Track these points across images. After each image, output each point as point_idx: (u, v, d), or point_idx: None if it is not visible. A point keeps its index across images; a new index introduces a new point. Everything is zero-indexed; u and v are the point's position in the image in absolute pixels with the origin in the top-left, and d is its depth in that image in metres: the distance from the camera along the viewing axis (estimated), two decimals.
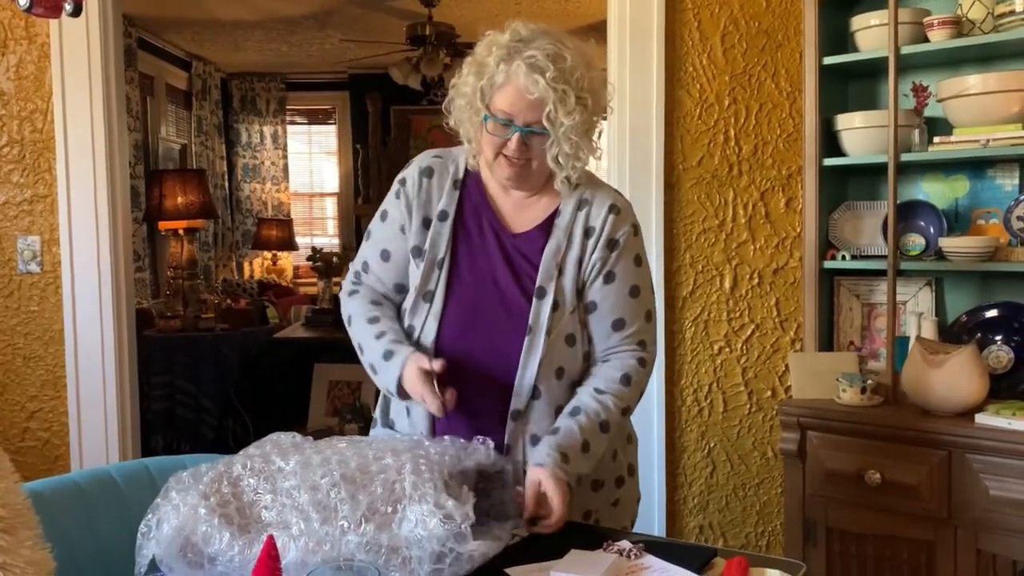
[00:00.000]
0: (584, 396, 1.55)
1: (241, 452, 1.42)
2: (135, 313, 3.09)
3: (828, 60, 2.49)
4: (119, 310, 2.90)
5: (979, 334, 2.39)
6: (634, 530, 1.70)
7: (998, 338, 2.37)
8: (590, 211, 1.59)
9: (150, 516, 1.30)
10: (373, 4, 5.48)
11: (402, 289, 1.67)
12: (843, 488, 2.28)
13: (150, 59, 6.18)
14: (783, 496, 2.54)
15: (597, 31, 6.02)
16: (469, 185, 1.64)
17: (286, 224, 7.73)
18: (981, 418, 2.12)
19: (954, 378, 2.15)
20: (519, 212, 1.62)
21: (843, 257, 2.53)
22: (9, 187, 2.88)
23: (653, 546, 1.37)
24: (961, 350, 2.16)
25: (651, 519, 2.76)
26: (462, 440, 1.43)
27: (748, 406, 2.77)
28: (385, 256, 1.67)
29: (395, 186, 1.67)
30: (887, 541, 2.24)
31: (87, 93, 2.82)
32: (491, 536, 1.31)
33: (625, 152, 2.73)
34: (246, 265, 7.86)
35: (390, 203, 1.67)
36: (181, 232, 5.09)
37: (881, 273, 2.46)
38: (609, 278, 1.58)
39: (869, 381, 2.35)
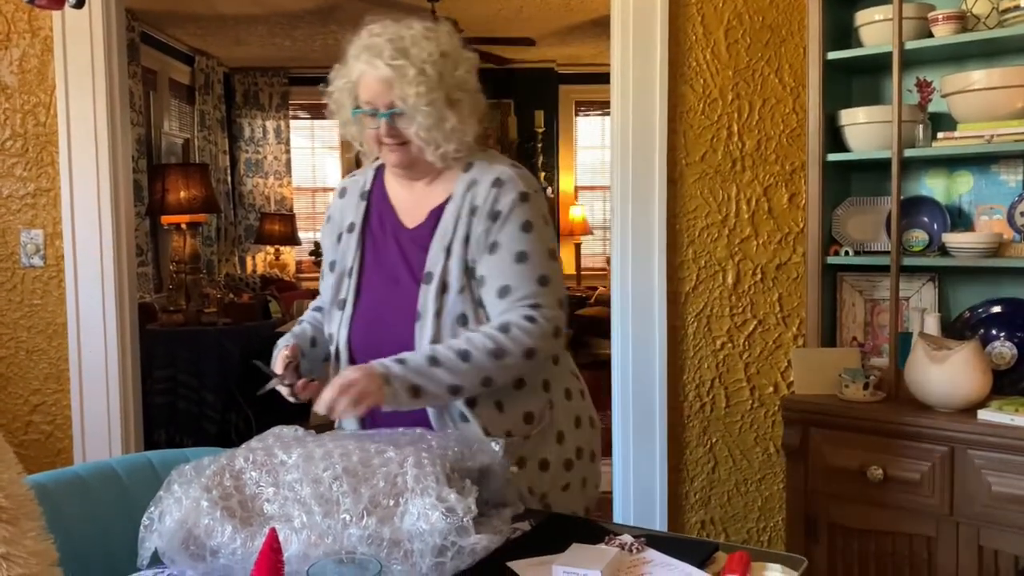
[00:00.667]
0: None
1: (243, 445, 1.42)
2: (138, 307, 3.10)
3: (832, 55, 2.49)
4: (122, 304, 2.90)
5: (982, 330, 2.39)
6: (635, 525, 1.71)
7: (1001, 334, 2.37)
8: (477, 189, 1.62)
9: (152, 509, 1.30)
10: None
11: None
12: (845, 484, 2.28)
13: (153, 53, 6.18)
14: (785, 492, 2.54)
15: (601, 26, 6.00)
16: (375, 192, 1.74)
17: (289, 219, 7.74)
18: (984, 414, 2.12)
19: (957, 374, 2.15)
20: (417, 205, 1.68)
21: (846, 253, 2.53)
22: (12, 181, 2.88)
23: (655, 540, 1.37)
24: (964, 346, 2.16)
25: (653, 514, 2.77)
26: (465, 434, 1.43)
27: (750, 402, 2.77)
28: (323, 276, 1.79)
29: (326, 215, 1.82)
30: (889, 537, 2.24)
31: (90, 87, 2.82)
32: (492, 528, 1.31)
33: (628, 147, 2.73)
34: (249, 260, 7.87)
35: (322, 230, 1.82)
36: (184, 226, 5.09)
37: (884, 269, 2.46)
38: (493, 248, 1.59)
39: (872, 377, 2.35)
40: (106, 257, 2.86)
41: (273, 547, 1.09)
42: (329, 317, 1.72)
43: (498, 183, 1.61)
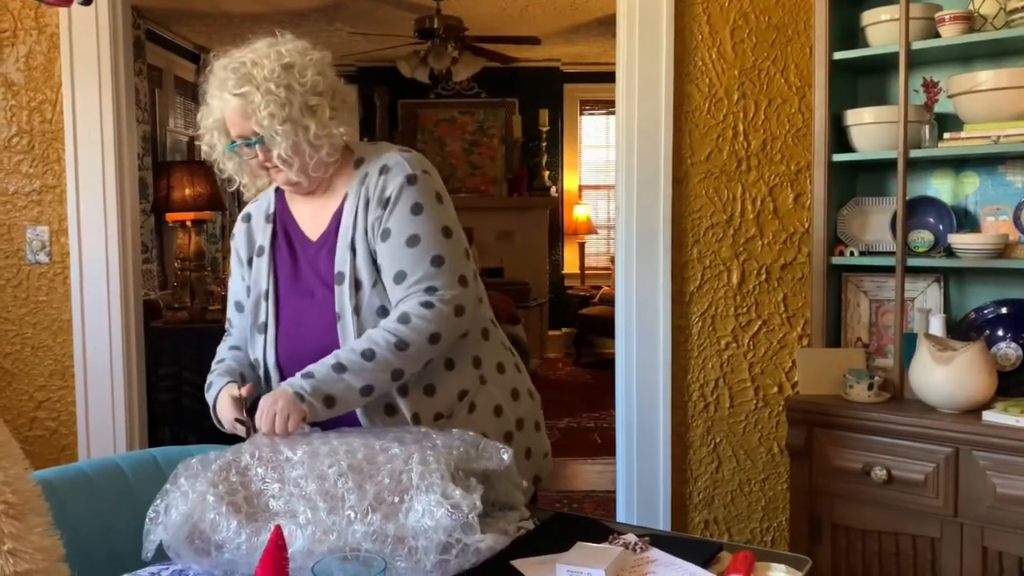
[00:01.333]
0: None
1: (248, 440, 1.42)
2: (143, 304, 3.10)
3: (838, 55, 2.48)
4: (127, 301, 2.91)
5: (987, 331, 2.38)
6: (638, 524, 1.71)
7: (1007, 336, 2.36)
8: (368, 181, 1.62)
9: (158, 501, 1.30)
10: None
11: None
12: (849, 484, 2.28)
13: (159, 51, 6.19)
14: (789, 492, 2.54)
15: (606, 25, 5.99)
16: (279, 212, 1.73)
17: None
18: (989, 415, 2.11)
19: (962, 375, 2.14)
20: (317, 216, 1.67)
21: (851, 253, 2.52)
22: (18, 177, 2.89)
23: (659, 540, 1.38)
24: (969, 347, 2.16)
25: (656, 513, 2.76)
26: (472, 434, 1.42)
27: (755, 402, 2.77)
28: (239, 307, 1.76)
29: (231, 242, 1.80)
30: (893, 538, 2.24)
31: (96, 84, 2.82)
32: (497, 528, 1.31)
33: (633, 146, 2.72)
34: None
35: (231, 258, 1.79)
36: (189, 224, 5.09)
37: (889, 269, 2.46)
38: (385, 235, 1.58)
39: (876, 377, 2.34)
40: (111, 254, 2.87)
41: (278, 544, 1.09)
42: (252, 343, 1.70)
43: (384, 170, 1.61)
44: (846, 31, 2.54)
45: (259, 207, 1.76)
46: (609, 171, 8.04)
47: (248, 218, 1.76)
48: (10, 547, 0.97)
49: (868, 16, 2.47)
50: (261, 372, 1.69)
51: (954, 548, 2.14)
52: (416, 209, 1.58)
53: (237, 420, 1.54)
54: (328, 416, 1.49)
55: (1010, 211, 2.39)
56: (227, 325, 1.80)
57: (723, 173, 2.73)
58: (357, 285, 1.58)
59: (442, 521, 1.20)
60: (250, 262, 1.72)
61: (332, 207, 1.66)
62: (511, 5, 5.57)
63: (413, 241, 1.57)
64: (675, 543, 1.37)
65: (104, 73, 2.82)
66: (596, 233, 8.32)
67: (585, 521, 1.57)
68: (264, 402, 1.45)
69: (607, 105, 7.79)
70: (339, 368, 1.49)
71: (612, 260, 6.76)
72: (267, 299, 1.67)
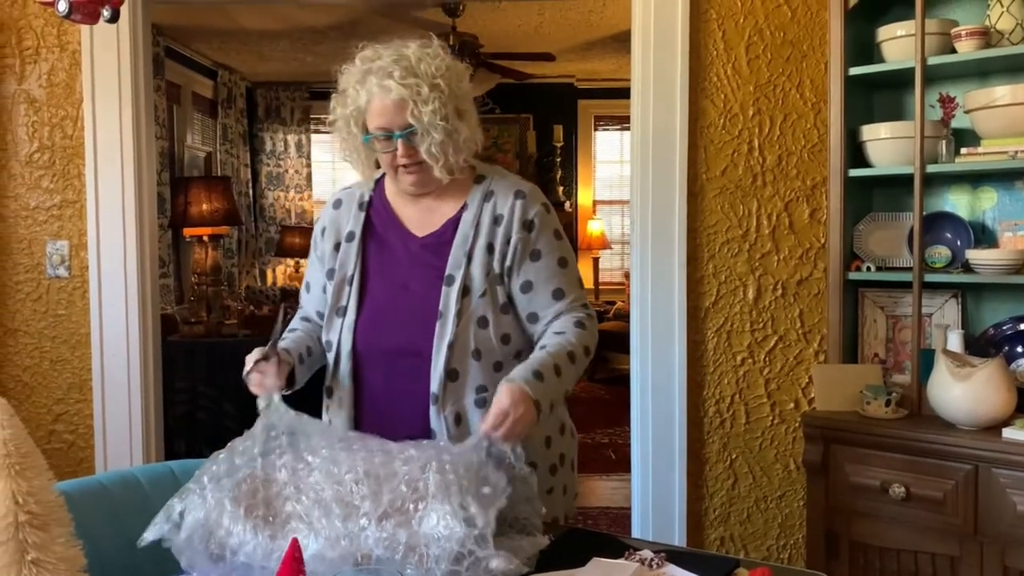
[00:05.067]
0: (547, 337, 1.65)
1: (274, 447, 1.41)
2: (160, 318, 3.13)
3: (854, 71, 2.49)
4: (145, 315, 2.93)
5: (1006, 347, 2.37)
6: (654, 540, 1.70)
7: None
8: (496, 201, 1.67)
9: (176, 500, 1.31)
10: (398, 15, 5.52)
11: (323, 315, 1.77)
12: (867, 501, 2.26)
13: (177, 68, 6.26)
14: (805, 509, 2.52)
15: (620, 41, 6.02)
16: (375, 204, 1.76)
17: (309, 232, 7.75)
18: (1008, 432, 2.09)
19: (980, 392, 2.13)
20: (425, 216, 1.70)
21: (868, 269, 2.51)
22: (39, 192, 2.92)
23: (675, 556, 1.37)
24: (987, 363, 2.14)
25: (672, 530, 2.75)
26: (487, 442, 1.41)
27: (771, 418, 2.75)
28: (307, 288, 1.82)
29: (315, 226, 1.82)
30: (911, 556, 2.21)
31: (116, 100, 2.86)
32: (512, 548, 1.30)
33: (648, 161, 2.73)
34: (269, 272, 7.92)
35: (312, 241, 1.82)
36: (206, 239, 5.14)
37: (906, 285, 2.45)
38: (535, 256, 1.66)
39: (894, 394, 2.33)
40: (130, 268, 2.89)
41: (295, 556, 1.09)
42: (329, 325, 1.71)
43: (521, 195, 1.68)
44: (861, 47, 2.55)
45: (351, 194, 1.79)
46: (623, 186, 8.05)
47: (338, 204, 1.79)
48: (33, 557, 0.98)
49: (884, 32, 2.47)
50: (332, 354, 1.70)
51: (974, 567, 2.12)
52: (558, 235, 1.71)
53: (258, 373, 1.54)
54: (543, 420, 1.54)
55: None
56: (298, 310, 1.86)
57: (738, 188, 2.73)
58: (465, 290, 1.62)
59: (456, 531, 1.20)
60: (336, 247, 1.74)
61: (446, 212, 1.69)
62: (526, 22, 5.61)
63: (563, 263, 1.69)
64: (692, 559, 1.37)
65: (124, 90, 2.86)
66: (610, 248, 8.32)
67: (601, 537, 1.56)
68: (504, 402, 1.43)
69: (621, 121, 7.81)
70: (558, 371, 1.56)
71: (626, 275, 6.76)
72: (351, 284, 1.69)
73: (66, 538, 1.03)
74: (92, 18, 1.60)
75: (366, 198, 1.76)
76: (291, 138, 7.99)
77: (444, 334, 1.60)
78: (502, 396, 1.45)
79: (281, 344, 1.67)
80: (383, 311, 1.67)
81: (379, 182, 1.78)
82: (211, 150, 7.06)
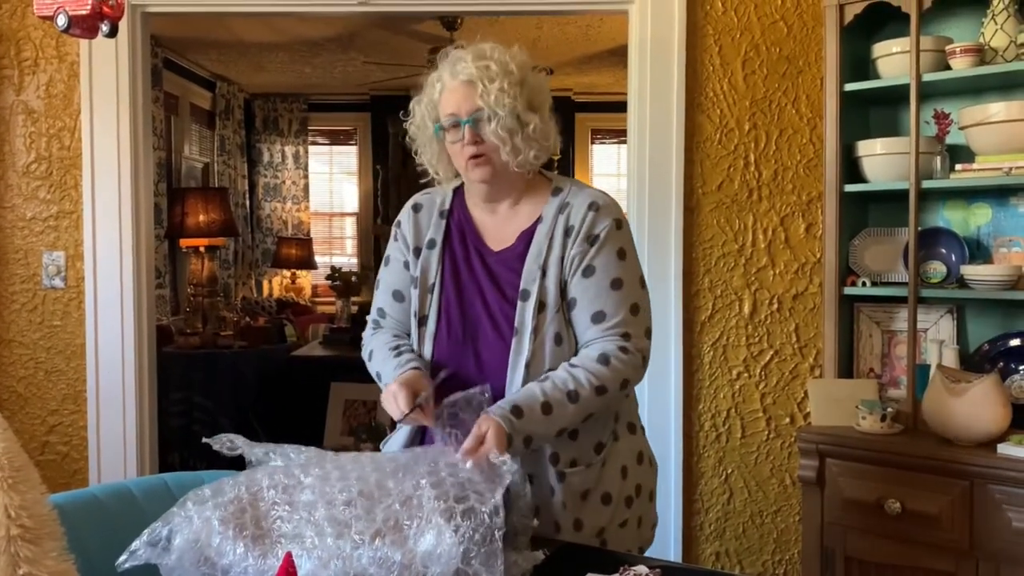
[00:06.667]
0: (557, 369, 1.56)
1: (262, 465, 1.42)
2: (155, 329, 3.12)
3: (849, 87, 2.50)
4: (140, 326, 2.92)
5: (1001, 363, 2.37)
6: (648, 555, 1.69)
7: (1021, 367, 2.35)
8: (571, 212, 1.61)
9: (160, 524, 1.30)
10: (396, 27, 5.54)
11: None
12: (862, 517, 2.26)
13: (175, 79, 6.27)
14: (801, 524, 2.52)
15: (618, 55, 6.03)
16: (455, 213, 1.71)
17: (305, 243, 7.79)
18: (1003, 448, 2.09)
19: (976, 407, 2.13)
20: (502, 228, 1.66)
21: (863, 283, 2.52)
22: (36, 203, 2.92)
23: (670, 571, 1.37)
24: (983, 379, 2.14)
25: (667, 545, 2.74)
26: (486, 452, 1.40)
27: (766, 432, 2.75)
28: (398, 297, 1.73)
29: (393, 230, 1.77)
30: (907, 572, 2.21)
31: (114, 112, 2.86)
32: (506, 563, 1.29)
33: (645, 175, 2.74)
34: (265, 283, 7.91)
35: (391, 246, 1.76)
36: (202, 249, 5.13)
37: (902, 300, 2.45)
38: (588, 272, 1.58)
39: (889, 409, 2.33)
40: (126, 279, 2.89)
41: (289, 571, 1.09)
42: (413, 333, 1.68)
43: (594, 207, 1.61)
44: (857, 63, 2.56)
45: (431, 200, 1.74)
46: (620, 199, 8.05)
47: (418, 208, 1.74)
48: (25, 571, 0.98)
49: (879, 48, 2.49)
50: None
51: None
52: (622, 254, 1.60)
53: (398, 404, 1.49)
54: (519, 454, 1.47)
55: (1022, 243, 2.39)
56: (376, 315, 1.75)
57: (734, 203, 2.73)
58: (540, 306, 1.57)
59: (450, 549, 1.19)
60: (417, 252, 1.69)
61: (521, 225, 1.64)
62: (523, 35, 5.63)
63: (617, 284, 1.58)
64: (687, 574, 1.36)
65: (122, 102, 2.86)
66: None
67: (595, 552, 1.56)
68: (474, 437, 1.42)
69: (618, 134, 7.83)
70: (546, 409, 1.49)
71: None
72: (432, 292, 1.65)
73: (58, 552, 1.03)
74: (91, 32, 1.60)
75: (447, 206, 1.71)
76: (288, 149, 7.99)
77: (521, 352, 1.55)
78: (483, 426, 1.43)
79: (414, 364, 1.60)
80: (461, 324, 1.62)
81: (458, 191, 1.73)
82: (208, 161, 7.06)
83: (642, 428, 1.75)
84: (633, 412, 1.73)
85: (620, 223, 1.62)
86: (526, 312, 1.56)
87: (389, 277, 1.74)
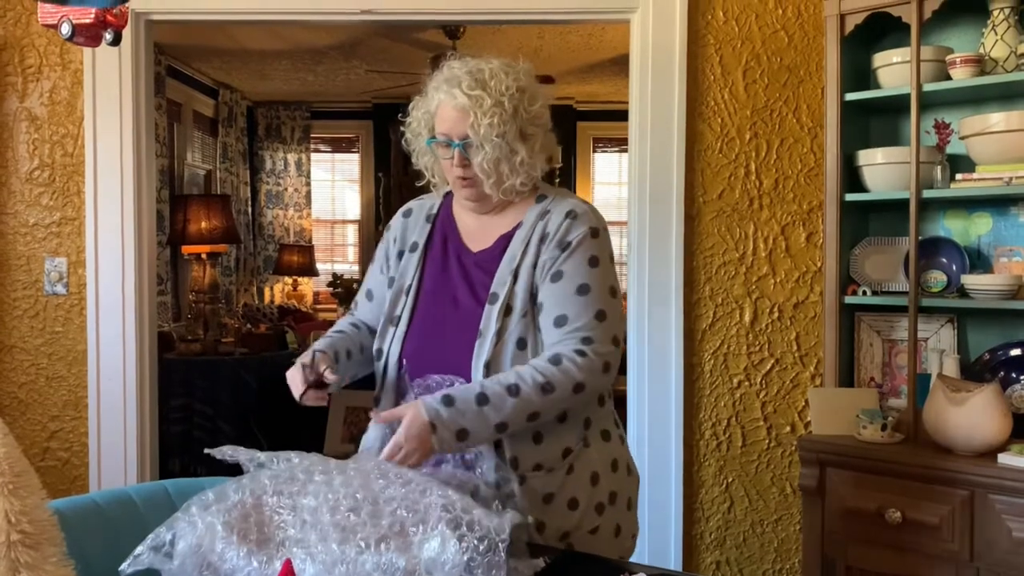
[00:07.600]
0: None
1: (266, 469, 1.41)
2: (157, 336, 3.12)
3: (850, 96, 2.51)
4: (142, 333, 2.93)
5: (1002, 373, 2.37)
6: (649, 563, 1.69)
7: (1021, 377, 2.35)
8: (549, 219, 1.64)
9: (163, 529, 1.30)
10: (398, 36, 5.56)
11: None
12: (863, 526, 2.25)
13: (178, 86, 6.29)
14: (801, 533, 2.51)
15: (619, 64, 6.05)
16: (441, 216, 1.76)
17: (307, 250, 7.79)
18: (1004, 458, 2.09)
19: (976, 417, 2.13)
20: (483, 231, 1.70)
21: (864, 293, 2.52)
22: (38, 209, 2.93)
23: None
24: (983, 388, 2.14)
25: (667, 553, 2.74)
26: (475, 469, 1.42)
27: (767, 441, 2.75)
28: (370, 296, 1.81)
29: (384, 232, 1.82)
30: None
31: (117, 119, 2.87)
32: (507, 570, 1.29)
33: (646, 184, 2.74)
34: (267, 290, 7.91)
35: (378, 247, 1.82)
36: (204, 256, 5.14)
37: (902, 309, 2.45)
38: (556, 277, 1.59)
39: (890, 418, 2.33)
40: (128, 286, 2.90)
41: None
42: (382, 333, 1.71)
43: (572, 215, 1.63)
44: (858, 72, 2.57)
45: (422, 205, 1.79)
46: (621, 207, 8.07)
47: (408, 213, 1.80)
48: None
49: (880, 58, 2.50)
50: (382, 363, 1.69)
51: None
52: (593, 262, 1.61)
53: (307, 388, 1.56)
54: (456, 451, 1.49)
55: (1023, 252, 2.39)
56: (352, 307, 1.85)
57: (735, 211, 2.74)
58: (507, 310, 1.59)
59: (454, 556, 1.19)
60: (400, 255, 1.75)
61: (501, 228, 1.68)
62: (525, 44, 5.65)
63: (583, 290, 1.58)
64: None
65: (126, 109, 2.87)
66: None
67: (596, 560, 1.55)
68: (400, 435, 1.45)
69: (619, 143, 7.84)
70: (482, 400, 1.48)
71: (624, 297, 6.76)
72: (407, 294, 1.69)
73: (58, 557, 1.03)
74: (94, 40, 1.61)
75: (434, 210, 1.76)
76: (291, 157, 8.01)
77: (481, 353, 1.57)
78: (404, 423, 1.46)
79: (317, 345, 1.67)
80: (431, 325, 1.66)
81: (448, 195, 1.77)
82: (211, 168, 7.07)
83: (621, 437, 1.74)
84: (608, 420, 1.71)
85: (597, 232, 1.63)
86: (492, 315, 1.59)
87: (369, 276, 1.83)
